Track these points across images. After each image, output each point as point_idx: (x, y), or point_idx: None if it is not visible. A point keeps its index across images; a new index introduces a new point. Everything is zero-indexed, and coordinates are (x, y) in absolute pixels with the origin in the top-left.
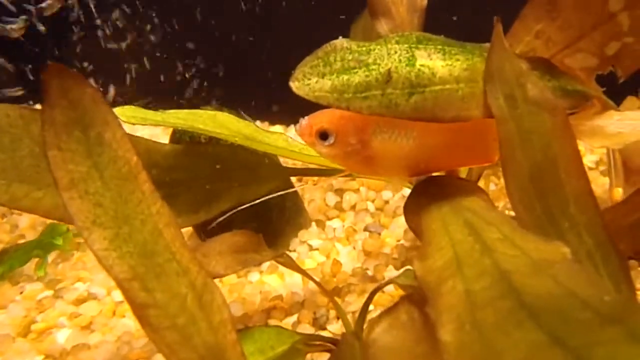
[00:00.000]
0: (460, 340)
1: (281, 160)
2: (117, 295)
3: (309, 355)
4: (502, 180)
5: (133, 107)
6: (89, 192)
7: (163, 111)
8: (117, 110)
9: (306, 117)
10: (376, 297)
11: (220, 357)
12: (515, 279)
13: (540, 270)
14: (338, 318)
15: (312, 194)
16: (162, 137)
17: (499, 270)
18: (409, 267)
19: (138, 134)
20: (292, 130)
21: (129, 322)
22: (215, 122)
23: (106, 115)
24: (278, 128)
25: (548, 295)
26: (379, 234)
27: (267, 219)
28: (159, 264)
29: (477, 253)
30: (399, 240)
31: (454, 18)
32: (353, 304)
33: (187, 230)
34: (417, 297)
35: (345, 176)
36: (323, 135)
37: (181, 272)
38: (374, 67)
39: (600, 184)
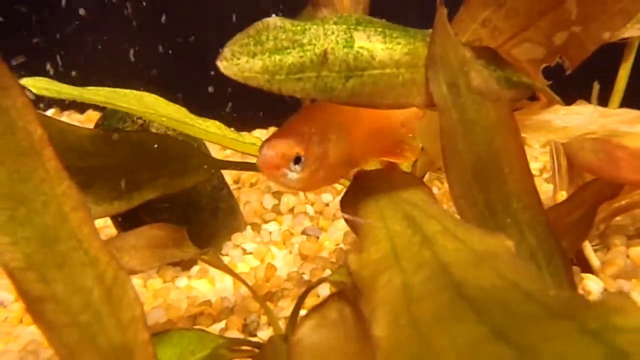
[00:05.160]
0: (395, 336)
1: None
2: None
3: None
4: (445, 185)
5: (46, 79)
6: None
7: (82, 87)
8: (27, 81)
9: (267, 146)
10: (310, 301)
11: (128, 358)
12: (455, 272)
13: (482, 262)
14: (269, 324)
15: (248, 196)
16: None
17: (438, 262)
18: None
19: None
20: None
21: (38, 330)
22: (142, 103)
23: (4, 80)
24: None
25: (490, 287)
26: (317, 237)
27: (198, 220)
28: (62, 252)
29: (416, 246)
30: (337, 244)
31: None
32: (286, 309)
33: (112, 233)
34: (348, 293)
35: None
36: (296, 160)
37: (88, 263)
38: (309, 47)
39: (544, 190)
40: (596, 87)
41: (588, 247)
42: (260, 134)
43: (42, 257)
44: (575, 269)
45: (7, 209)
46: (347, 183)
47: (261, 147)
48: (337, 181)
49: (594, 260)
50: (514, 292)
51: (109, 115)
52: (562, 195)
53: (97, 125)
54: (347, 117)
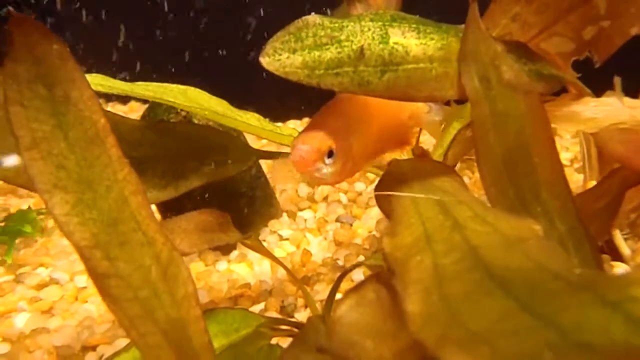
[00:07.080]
0: (427, 310)
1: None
2: (80, 280)
3: (274, 340)
4: (476, 174)
5: (101, 75)
6: (52, 153)
7: (132, 82)
8: None
9: (301, 141)
10: (345, 286)
11: (182, 332)
12: (485, 254)
13: (511, 245)
14: (306, 307)
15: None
16: None
17: (469, 245)
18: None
19: None
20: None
21: (92, 307)
22: (186, 96)
23: (73, 74)
24: None
25: (518, 268)
26: (351, 224)
27: (236, 207)
28: (123, 232)
29: (447, 230)
30: (370, 231)
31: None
32: (321, 292)
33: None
34: (384, 276)
35: None
36: (329, 154)
37: (146, 243)
38: (346, 43)
39: (574, 180)
40: (618, 81)
41: (618, 236)
42: (295, 124)
43: (106, 237)
44: (606, 257)
45: (77, 192)
46: (380, 172)
47: (294, 143)
48: (355, 174)
49: (625, 248)
50: (541, 272)
51: (155, 107)
52: (592, 185)
53: (144, 116)
54: (363, 110)
